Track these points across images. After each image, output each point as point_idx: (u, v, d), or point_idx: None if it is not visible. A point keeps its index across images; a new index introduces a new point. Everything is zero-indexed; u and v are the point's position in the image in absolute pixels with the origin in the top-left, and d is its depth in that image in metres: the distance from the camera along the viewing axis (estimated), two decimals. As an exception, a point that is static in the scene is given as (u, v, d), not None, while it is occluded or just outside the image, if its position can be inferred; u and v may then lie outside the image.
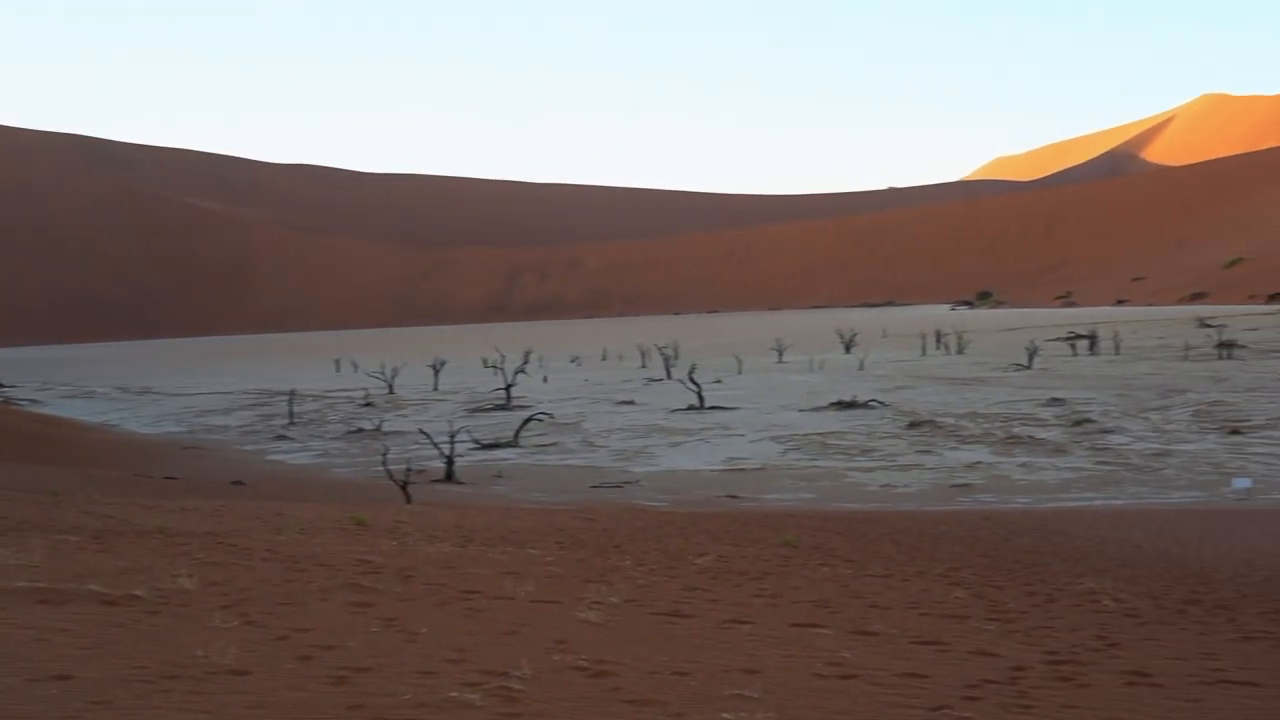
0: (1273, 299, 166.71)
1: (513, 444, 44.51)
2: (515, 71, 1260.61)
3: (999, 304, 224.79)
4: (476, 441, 44.24)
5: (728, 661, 9.06)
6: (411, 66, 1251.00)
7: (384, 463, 32.70)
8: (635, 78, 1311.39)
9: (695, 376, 57.60)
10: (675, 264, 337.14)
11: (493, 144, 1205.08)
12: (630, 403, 59.44)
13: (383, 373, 76.60)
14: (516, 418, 50.99)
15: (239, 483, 34.16)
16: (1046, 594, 14.26)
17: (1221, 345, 77.00)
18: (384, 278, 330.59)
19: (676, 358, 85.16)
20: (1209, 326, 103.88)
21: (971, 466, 36.07)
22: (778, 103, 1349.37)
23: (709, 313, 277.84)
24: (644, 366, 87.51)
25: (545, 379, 79.11)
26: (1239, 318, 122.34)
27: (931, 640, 10.47)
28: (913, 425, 45.56)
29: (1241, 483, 29.58)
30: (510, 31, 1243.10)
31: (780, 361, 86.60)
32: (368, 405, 64.14)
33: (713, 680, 8.37)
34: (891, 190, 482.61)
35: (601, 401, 60.85)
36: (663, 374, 75.79)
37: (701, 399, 54.71)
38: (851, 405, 52.40)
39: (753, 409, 53.73)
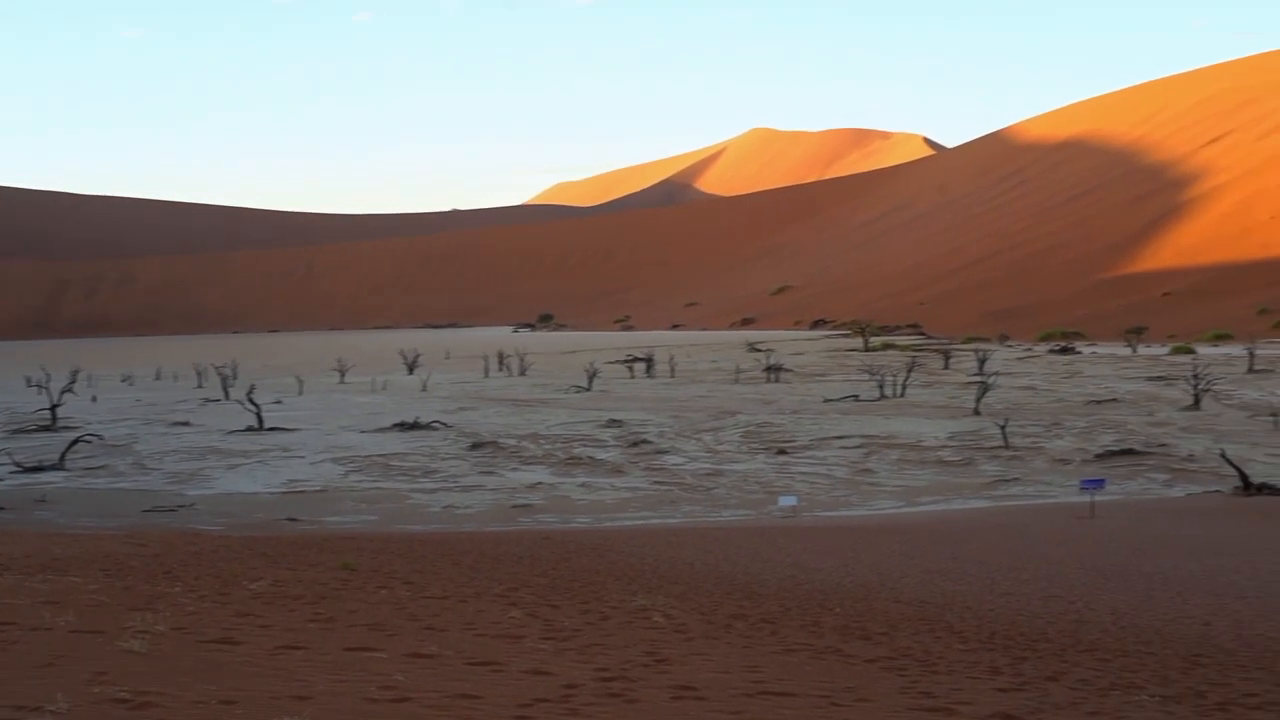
0: (816, 325, 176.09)
1: (58, 467, 42.33)
2: (62, 76, 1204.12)
3: (561, 326, 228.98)
4: (18, 464, 41.85)
5: (277, 689, 8.82)
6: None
7: (-88, 488, 30.57)
8: (191, 89, 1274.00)
9: (254, 397, 56.24)
10: (234, 282, 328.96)
11: (38, 153, 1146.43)
12: (186, 424, 57.49)
13: (-87, 392, 71.66)
14: (63, 439, 48.54)
15: None
16: (601, 612, 14.53)
17: (769, 369, 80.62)
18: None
19: (235, 378, 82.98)
20: (758, 351, 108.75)
21: (533, 487, 36.49)
22: (341, 121, 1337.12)
23: (270, 332, 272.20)
24: (200, 386, 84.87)
25: (94, 399, 75.69)
26: (785, 342, 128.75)
27: (486, 661, 10.50)
28: (475, 446, 45.78)
29: (787, 500, 30.94)
30: (58, 34, 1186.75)
31: (342, 382, 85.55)
32: (-104, 426, 59.87)
33: (260, 708, 8.13)
34: (455, 212, 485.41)
35: (155, 422, 58.59)
36: (220, 394, 73.72)
37: (260, 420, 53.47)
38: (414, 426, 52.26)
39: (314, 430, 52.88)
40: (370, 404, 66.54)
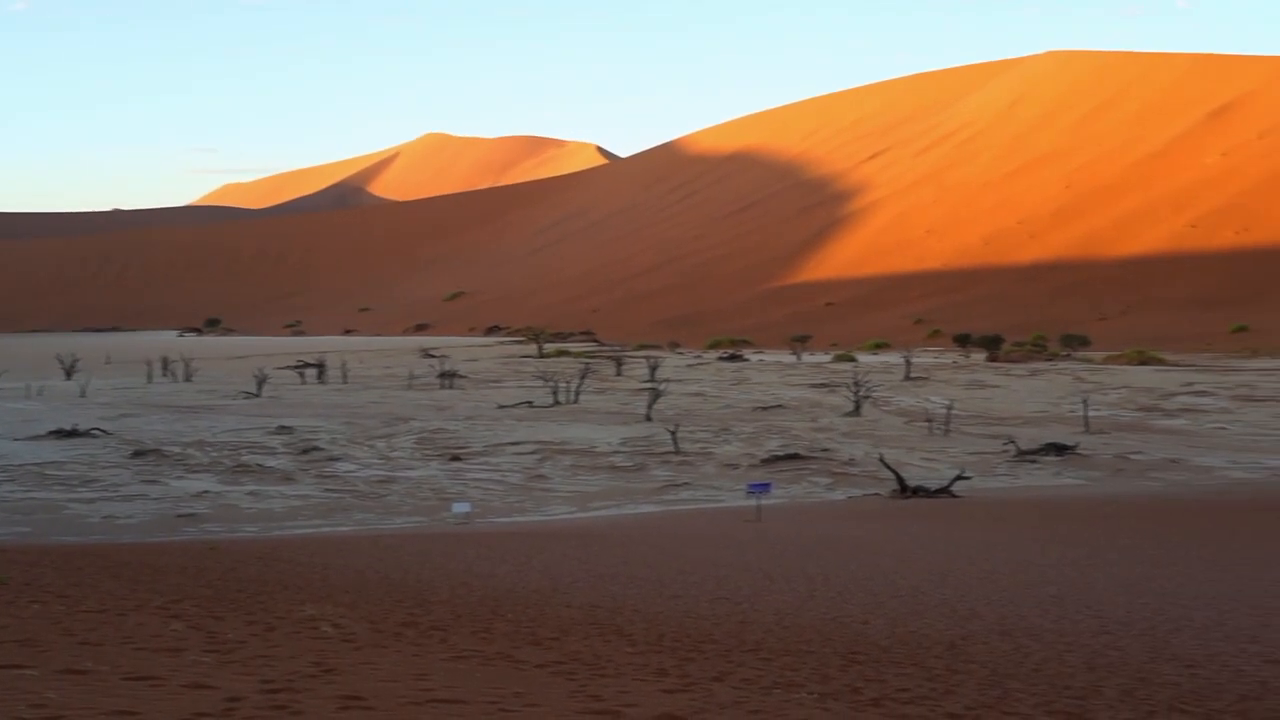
0: (491, 331, 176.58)
1: None
2: None
3: (229, 331, 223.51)
4: None
5: (-84, 712, 8.32)
6: None
7: None
8: None
9: (-104, 403, 53.22)
10: None
11: None
12: None
13: None
14: None
15: None
16: (267, 623, 14.18)
17: (444, 375, 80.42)
18: None
19: (-125, 383, 78.37)
20: (432, 357, 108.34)
21: (199, 496, 35.49)
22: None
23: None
24: None
25: None
26: (460, 349, 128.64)
27: (145, 675, 10.11)
28: (137, 454, 44.24)
29: (461, 507, 30.83)
30: None
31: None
32: None
33: (-103, 734, 7.65)
34: (117, 212, 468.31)
35: None
36: None
37: (-97, 428, 50.63)
38: (72, 434, 50.18)
39: (-38, 438, 50.26)
40: (24, 410, 63.61)
